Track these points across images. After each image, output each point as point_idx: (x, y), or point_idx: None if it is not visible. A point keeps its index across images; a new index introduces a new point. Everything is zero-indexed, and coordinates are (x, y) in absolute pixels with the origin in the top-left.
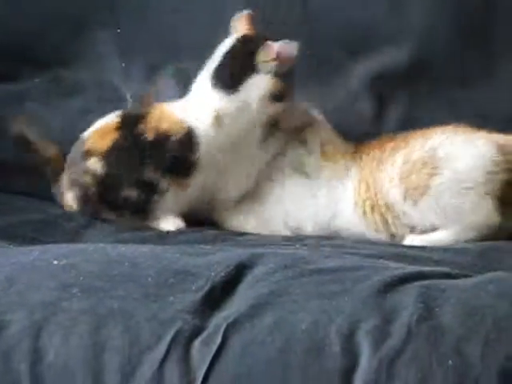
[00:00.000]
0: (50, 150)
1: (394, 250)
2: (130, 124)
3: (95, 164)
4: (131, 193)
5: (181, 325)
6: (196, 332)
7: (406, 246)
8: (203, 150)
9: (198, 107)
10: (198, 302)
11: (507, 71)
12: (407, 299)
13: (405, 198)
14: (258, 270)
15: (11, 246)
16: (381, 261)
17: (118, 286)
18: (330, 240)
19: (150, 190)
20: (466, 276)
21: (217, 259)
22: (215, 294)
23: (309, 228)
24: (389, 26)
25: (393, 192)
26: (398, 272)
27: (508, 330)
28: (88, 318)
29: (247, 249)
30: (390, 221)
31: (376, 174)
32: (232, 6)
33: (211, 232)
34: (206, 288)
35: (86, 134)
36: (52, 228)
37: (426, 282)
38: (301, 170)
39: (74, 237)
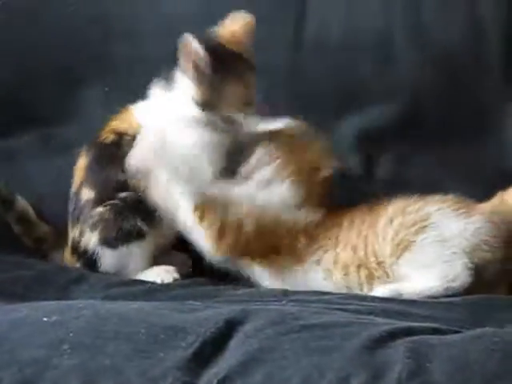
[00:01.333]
0: (44, 229)
1: (383, 305)
2: (92, 141)
3: (86, 193)
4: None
5: (171, 381)
6: None
7: (395, 302)
8: None
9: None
10: (189, 359)
11: (496, 127)
12: (397, 355)
13: (391, 255)
14: (247, 327)
15: (1, 303)
16: (370, 317)
17: (108, 343)
18: (318, 296)
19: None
20: (455, 331)
21: (207, 315)
22: (205, 351)
23: None
24: (376, 83)
25: (384, 249)
26: (387, 328)
27: None
28: (79, 375)
29: (237, 305)
30: (374, 278)
31: (368, 235)
32: None
33: (201, 288)
34: (197, 344)
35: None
36: (42, 284)
37: (415, 338)
38: None
39: (63, 293)
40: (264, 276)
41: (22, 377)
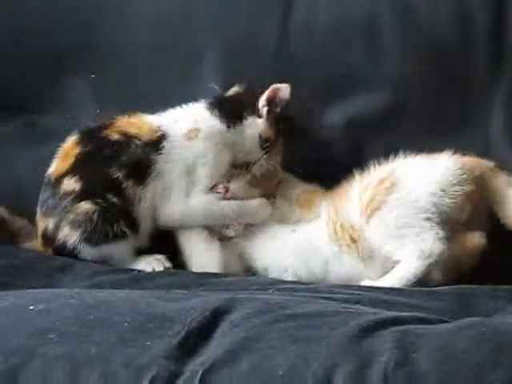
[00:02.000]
0: (18, 224)
1: (371, 294)
2: (91, 133)
3: (70, 184)
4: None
5: (157, 370)
6: (172, 377)
7: (383, 291)
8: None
9: (180, 120)
10: (175, 347)
11: (482, 119)
12: (383, 344)
13: (361, 215)
14: (234, 316)
15: None
16: (357, 306)
17: (94, 331)
18: (305, 285)
19: (116, 189)
20: (442, 321)
21: (193, 304)
22: (191, 340)
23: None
24: (365, 72)
25: (352, 210)
26: (374, 317)
27: (485, 375)
28: (65, 364)
29: (223, 294)
30: (357, 241)
31: (343, 200)
32: (206, 54)
33: (187, 276)
34: (183, 333)
35: (49, 169)
36: (27, 272)
37: (402, 328)
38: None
39: (49, 280)
40: None
41: (8, 365)
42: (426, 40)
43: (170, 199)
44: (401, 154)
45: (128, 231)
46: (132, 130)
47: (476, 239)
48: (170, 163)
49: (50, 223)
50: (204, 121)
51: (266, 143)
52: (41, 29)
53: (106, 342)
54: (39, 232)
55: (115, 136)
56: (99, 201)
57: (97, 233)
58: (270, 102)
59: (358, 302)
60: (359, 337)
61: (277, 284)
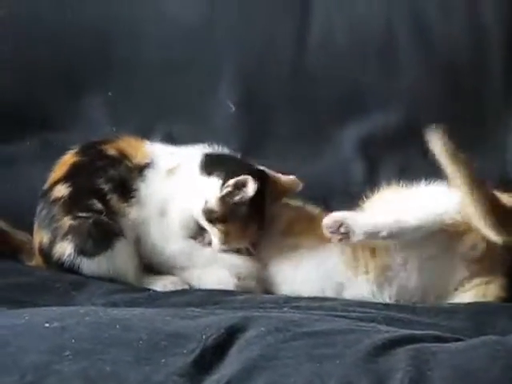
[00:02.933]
0: (19, 237)
1: (385, 313)
2: (90, 146)
3: (60, 190)
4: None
5: None
6: None
7: (397, 309)
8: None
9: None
10: (190, 365)
11: (497, 136)
12: (398, 363)
13: None
14: (249, 334)
15: (1, 309)
16: (372, 324)
17: (109, 349)
18: (320, 302)
19: (101, 199)
20: (457, 339)
21: (208, 322)
22: (207, 357)
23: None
24: (380, 88)
25: None
26: (389, 335)
27: None
28: (80, 381)
29: (238, 312)
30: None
31: None
32: (222, 72)
33: (201, 294)
34: (198, 351)
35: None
36: (41, 290)
37: (417, 346)
38: None
39: (64, 298)
40: None
41: (24, 382)
42: (440, 56)
43: (149, 238)
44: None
45: (121, 236)
46: (128, 150)
47: (496, 291)
48: (149, 196)
49: (45, 237)
50: (187, 161)
51: (209, 213)
52: (57, 47)
53: (121, 359)
54: (36, 247)
55: (112, 151)
56: (83, 214)
57: (89, 242)
58: (236, 188)
59: (372, 320)
60: (374, 355)
61: (291, 302)
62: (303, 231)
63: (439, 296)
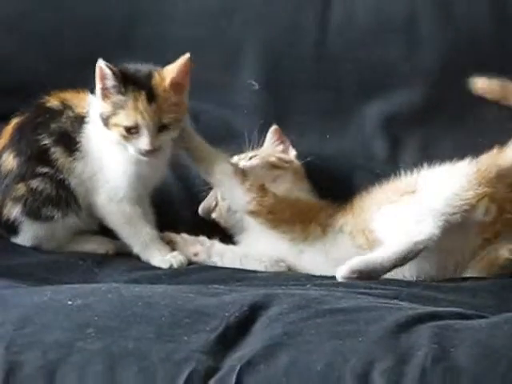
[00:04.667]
0: None
1: (408, 290)
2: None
3: (8, 161)
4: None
5: (195, 365)
6: (210, 372)
7: (420, 286)
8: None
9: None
10: (213, 342)
11: None
12: (421, 340)
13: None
14: (272, 311)
15: (25, 287)
16: (395, 301)
17: (132, 326)
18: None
19: (46, 159)
20: (480, 316)
21: (231, 299)
22: (229, 335)
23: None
24: (403, 67)
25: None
26: (412, 312)
27: None
28: (102, 359)
29: (260, 289)
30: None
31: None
32: (246, 50)
33: (224, 271)
34: (221, 328)
35: None
36: (64, 267)
37: (440, 323)
38: None
39: (87, 276)
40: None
41: (46, 360)
42: (463, 35)
43: (96, 194)
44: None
45: (58, 214)
46: (72, 100)
47: (505, 253)
48: (91, 148)
49: None
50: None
51: (103, 119)
52: (82, 28)
53: (144, 337)
54: None
55: (54, 103)
56: (33, 182)
57: (36, 209)
58: (102, 80)
59: (395, 298)
60: (397, 332)
61: (314, 279)
62: (306, 221)
63: (455, 269)
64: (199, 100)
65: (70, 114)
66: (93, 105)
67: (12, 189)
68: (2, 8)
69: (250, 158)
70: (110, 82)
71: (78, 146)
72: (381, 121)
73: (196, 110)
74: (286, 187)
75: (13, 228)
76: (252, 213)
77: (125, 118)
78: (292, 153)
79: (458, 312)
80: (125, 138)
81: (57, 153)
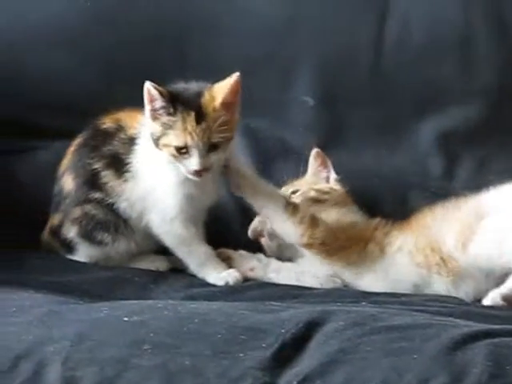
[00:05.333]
0: None
1: (463, 307)
2: (89, 127)
3: (68, 182)
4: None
5: (251, 382)
6: None
7: (474, 304)
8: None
9: None
10: (269, 359)
11: None
12: (477, 357)
13: (456, 240)
14: (327, 328)
15: (81, 303)
16: (450, 319)
17: (188, 343)
18: (397, 297)
19: (97, 184)
20: None
21: (287, 316)
22: (285, 351)
23: None
24: (458, 84)
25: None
26: (467, 330)
27: None
28: (159, 375)
29: (316, 306)
30: (446, 261)
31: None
32: (301, 67)
33: (280, 288)
34: (277, 345)
35: None
36: (120, 284)
37: (495, 340)
38: None
39: (142, 293)
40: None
41: (103, 376)
42: None
43: (149, 214)
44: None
45: (110, 239)
46: (125, 121)
47: None
48: (141, 168)
49: (56, 219)
50: None
51: (154, 140)
52: (131, 45)
53: (200, 353)
54: (48, 225)
55: (108, 124)
56: (87, 205)
57: (89, 232)
58: (150, 102)
59: (450, 315)
60: (452, 349)
61: (369, 296)
62: (362, 243)
63: None
64: (255, 117)
65: (123, 135)
66: (144, 125)
67: (70, 210)
68: (60, 27)
69: (293, 193)
70: (159, 103)
71: (128, 167)
72: (436, 138)
73: (251, 127)
74: (334, 215)
75: (69, 247)
76: (305, 245)
77: (174, 139)
78: (332, 177)
79: None
80: (175, 158)
81: (107, 176)
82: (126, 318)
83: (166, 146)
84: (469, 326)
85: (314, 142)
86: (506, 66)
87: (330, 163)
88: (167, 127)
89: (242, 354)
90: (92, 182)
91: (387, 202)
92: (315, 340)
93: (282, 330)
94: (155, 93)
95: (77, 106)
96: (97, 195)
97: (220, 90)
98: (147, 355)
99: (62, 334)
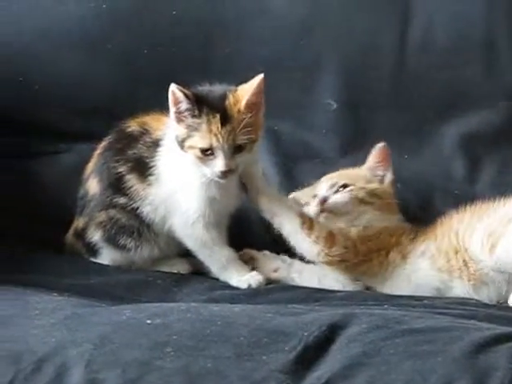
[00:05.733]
0: None
1: (486, 310)
2: (114, 131)
3: (93, 186)
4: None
5: None
6: None
7: (496, 307)
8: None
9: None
10: (292, 362)
11: None
12: (500, 360)
13: (482, 244)
14: (350, 331)
15: (103, 306)
16: (472, 321)
17: (210, 346)
18: (420, 300)
19: (122, 187)
20: None
21: (309, 319)
22: (308, 354)
23: None
24: (481, 87)
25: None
26: (489, 333)
27: None
28: (181, 378)
29: (339, 309)
30: (468, 264)
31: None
32: (324, 70)
33: (302, 290)
34: (299, 348)
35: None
36: (143, 286)
37: None
38: None
39: (165, 295)
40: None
41: (126, 378)
42: None
43: (173, 217)
44: None
45: (133, 244)
46: (150, 124)
47: None
48: (165, 171)
49: (81, 222)
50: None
51: (179, 142)
52: (159, 43)
53: (223, 356)
54: (73, 227)
55: (133, 127)
56: (111, 210)
57: (113, 236)
58: (175, 104)
59: (473, 318)
60: (475, 352)
61: (392, 299)
62: (384, 252)
63: None
64: (278, 119)
65: (147, 139)
66: (169, 127)
67: (95, 214)
68: (83, 29)
69: (342, 187)
70: (184, 105)
71: (152, 170)
72: (459, 141)
73: (275, 129)
74: (368, 220)
75: (94, 251)
76: (324, 263)
77: (200, 141)
78: (388, 178)
79: None
80: (200, 160)
81: (131, 180)
82: (148, 321)
83: (191, 147)
84: (492, 328)
85: (336, 144)
86: None
87: (390, 162)
88: (192, 129)
89: (264, 357)
90: (116, 185)
91: (411, 206)
92: (338, 343)
93: (305, 333)
94: (180, 95)
95: (99, 108)
96: (121, 200)
97: (244, 92)
98: (170, 358)
99: (85, 336)
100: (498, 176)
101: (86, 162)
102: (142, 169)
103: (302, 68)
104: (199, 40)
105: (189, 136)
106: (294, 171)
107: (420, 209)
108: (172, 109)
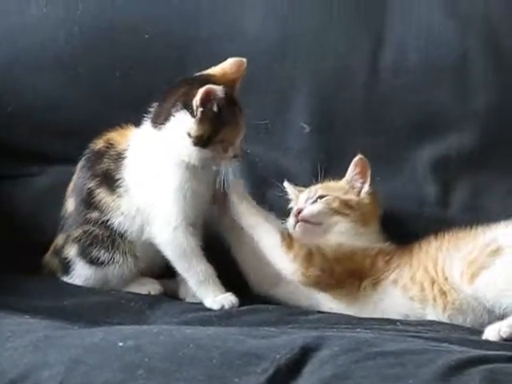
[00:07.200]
0: None
1: (458, 333)
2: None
3: (71, 203)
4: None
5: None
6: None
7: (469, 330)
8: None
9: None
10: None
11: None
12: (472, 383)
13: (461, 274)
14: (322, 353)
15: (76, 328)
16: (445, 344)
17: (182, 368)
18: (393, 323)
19: (93, 202)
20: None
21: (282, 342)
22: (280, 377)
23: None
24: (453, 110)
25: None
26: (462, 356)
27: None
28: None
29: (311, 331)
30: (446, 293)
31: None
32: (297, 93)
33: (274, 313)
34: (271, 370)
35: None
36: (116, 309)
37: (490, 366)
38: None
39: (138, 318)
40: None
41: None
42: None
43: (151, 225)
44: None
45: (107, 257)
46: (114, 139)
47: None
48: (133, 181)
49: (60, 240)
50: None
51: (200, 139)
52: (131, 66)
53: (195, 378)
54: (52, 245)
55: (99, 144)
56: (85, 225)
57: (88, 251)
58: (205, 102)
59: (445, 341)
60: (447, 375)
61: (364, 322)
62: (357, 278)
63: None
64: (251, 142)
65: (112, 152)
66: (135, 138)
67: (72, 231)
68: (55, 52)
69: (319, 197)
70: (217, 101)
71: (119, 182)
72: (432, 165)
73: (247, 152)
74: (340, 234)
75: (67, 267)
76: (299, 282)
77: (231, 133)
78: (364, 190)
79: (508, 356)
80: (218, 152)
81: (100, 194)
82: (120, 343)
83: (221, 141)
84: (464, 351)
85: (309, 167)
86: (501, 92)
87: (369, 174)
88: (220, 124)
89: (237, 379)
90: (87, 201)
91: (383, 230)
92: (310, 365)
93: (277, 356)
94: (219, 88)
95: (73, 131)
96: (94, 214)
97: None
98: (142, 380)
99: (57, 358)
100: (470, 200)
101: (60, 184)
102: (110, 181)
103: (275, 91)
104: (172, 62)
105: (216, 131)
106: (268, 194)
107: (392, 232)
108: (199, 108)
